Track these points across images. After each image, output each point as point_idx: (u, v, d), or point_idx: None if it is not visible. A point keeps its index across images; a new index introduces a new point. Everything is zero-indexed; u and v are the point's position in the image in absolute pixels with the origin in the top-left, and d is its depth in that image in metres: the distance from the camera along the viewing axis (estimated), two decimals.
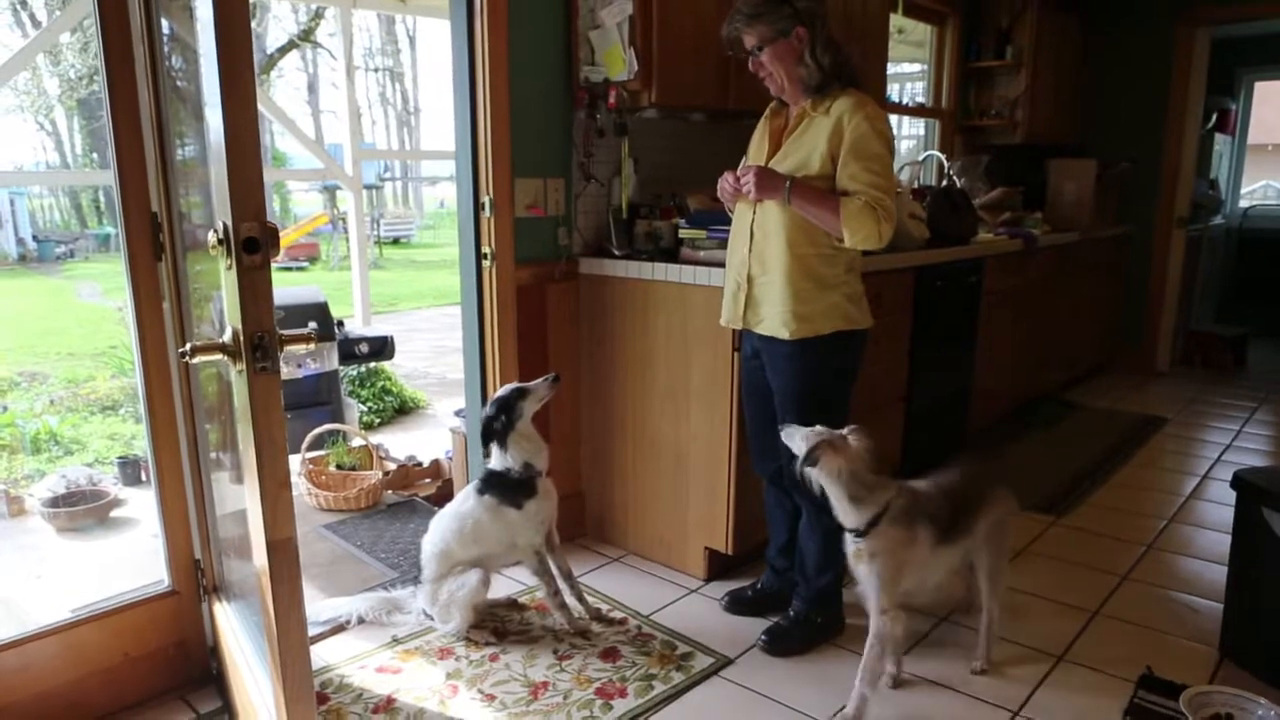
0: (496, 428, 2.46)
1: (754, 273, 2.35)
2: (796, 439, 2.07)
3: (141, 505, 3.72)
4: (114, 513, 3.62)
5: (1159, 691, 2.24)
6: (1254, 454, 4.28)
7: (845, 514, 2.05)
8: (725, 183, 2.34)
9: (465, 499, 2.52)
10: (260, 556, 1.34)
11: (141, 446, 4.28)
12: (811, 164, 2.23)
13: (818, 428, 2.08)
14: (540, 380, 2.50)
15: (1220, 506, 3.50)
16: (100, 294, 11.20)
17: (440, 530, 2.52)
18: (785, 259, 2.27)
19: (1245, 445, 4.41)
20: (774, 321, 2.31)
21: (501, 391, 2.50)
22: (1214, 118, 6.60)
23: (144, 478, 3.96)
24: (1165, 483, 3.89)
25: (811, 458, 1.99)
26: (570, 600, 2.60)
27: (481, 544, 2.49)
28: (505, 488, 2.47)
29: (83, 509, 3.52)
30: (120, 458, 4.11)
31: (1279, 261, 7.32)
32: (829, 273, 2.28)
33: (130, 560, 3.21)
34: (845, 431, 2.07)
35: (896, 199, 3.32)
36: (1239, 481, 2.39)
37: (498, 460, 2.49)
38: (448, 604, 2.48)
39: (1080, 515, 3.47)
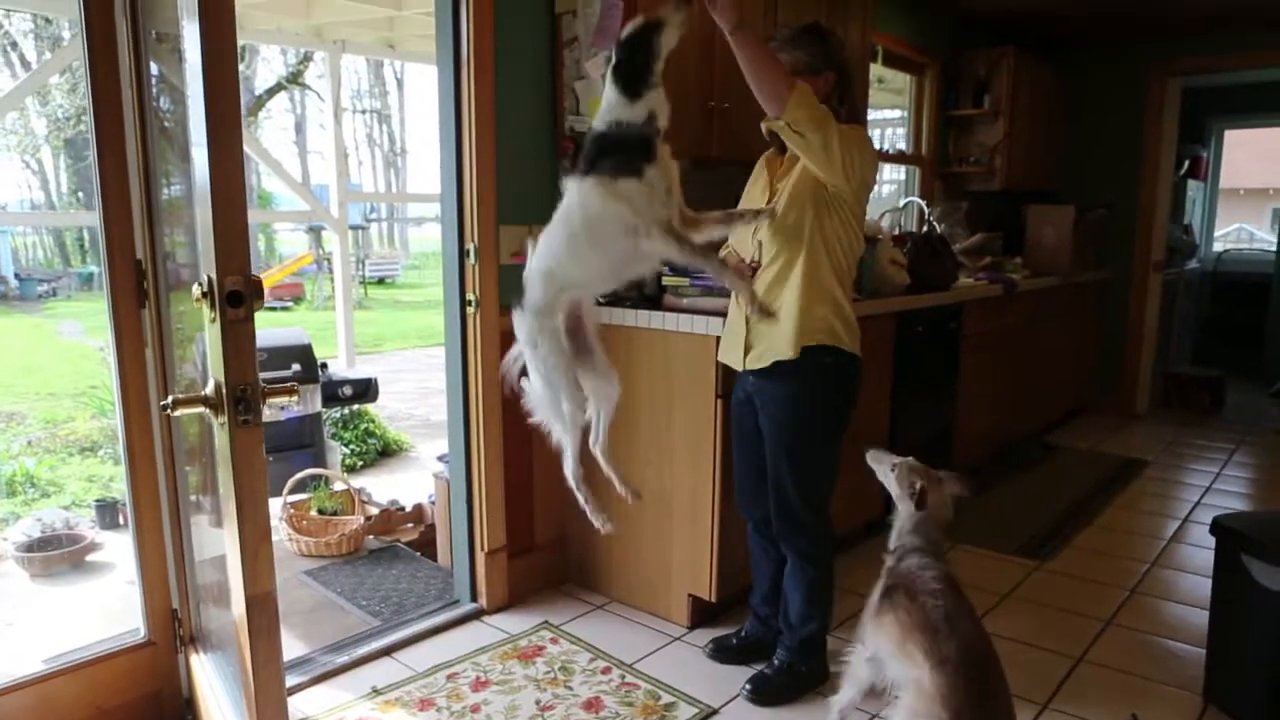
0: (633, 68, 1.85)
1: (762, 295, 2.32)
2: (884, 463, 2.15)
3: (119, 549, 3.67)
4: (90, 557, 3.57)
5: None
6: (1234, 496, 4.31)
7: (894, 531, 2.12)
8: None
9: (568, 195, 1.93)
10: (239, 609, 1.33)
11: (120, 489, 4.24)
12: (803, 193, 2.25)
13: (908, 459, 2.14)
14: None
15: (1201, 550, 3.52)
16: (82, 333, 11.12)
17: (545, 244, 1.96)
18: (796, 271, 2.26)
19: (1224, 488, 4.45)
20: (780, 343, 2.29)
21: (633, 26, 1.88)
22: (1186, 164, 6.75)
23: (122, 521, 3.91)
24: (1147, 526, 3.91)
25: (921, 500, 2.07)
26: None
27: (597, 241, 1.90)
28: (618, 152, 1.86)
29: (58, 554, 3.46)
30: (98, 500, 4.06)
31: (1253, 304, 7.44)
32: (825, 285, 2.28)
33: (106, 608, 3.16)
34: (940, 474, 2.13)
35: (877, 245, 3.37)
36: (1218, 527, 2.41)
37: (615, 109, 1.87)
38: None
39: (1063, 559, 3.48)
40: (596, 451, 2.18)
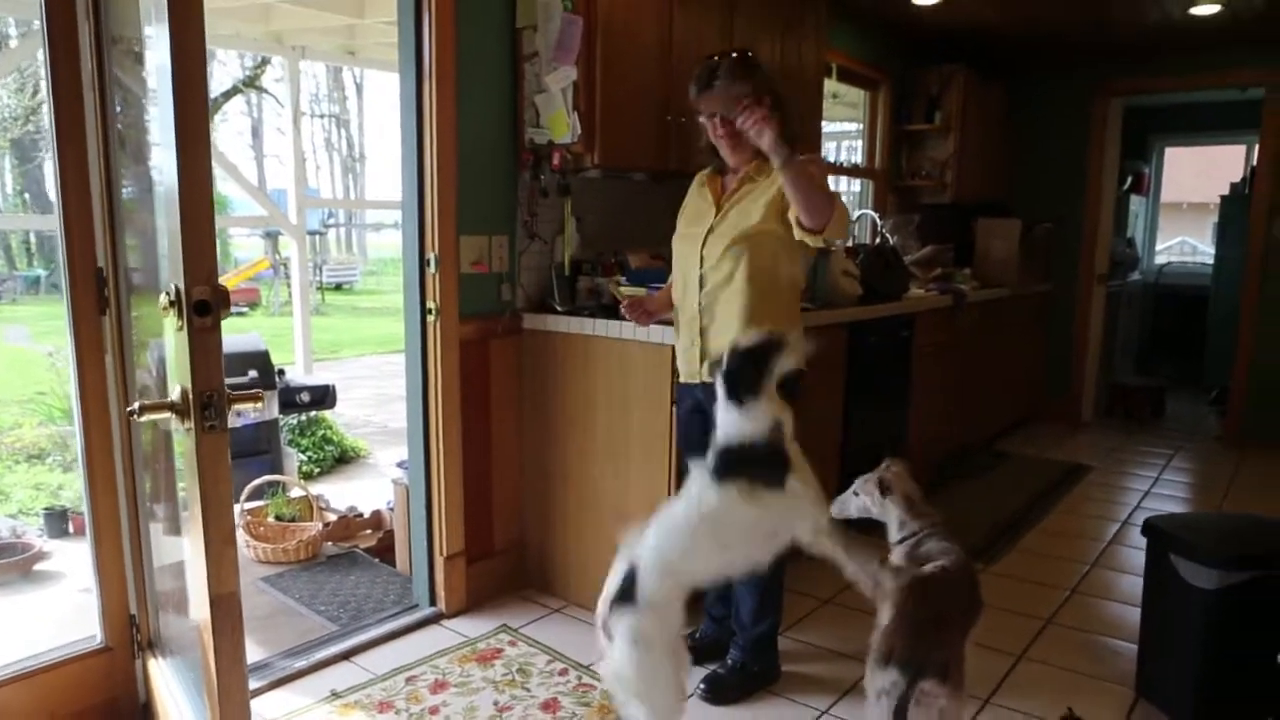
0: (745, 379, 1.89)
1: (704, 324, 2.42)
2: (848, 500, 2.29)
3: (68, 558, 3.62)
4: (39, 566, 3.52)
5: None
6: (1171, 500, 4.48)
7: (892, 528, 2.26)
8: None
9: (698, 496, 1.91)
10: (203, 611, 1.36)
11: (69, 497, 4.18)
12: (752, 216, 2.32)
13: (857, 480, 2.30)
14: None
15: (1138, 551, 3.63)
16: (29, 338, 10.85)
17: (666, 538, 1.91)
18: (743, 304, 2.33)
19: (1163, 492, 4.62)
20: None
21: (755, 338, 1.93)
22: (1129, 180, 6.99)
23: (70, 529, 3.86)
24: (1089, 529, 4.05)
25: (884, 487, 2.23)
26: None
27: (731, 543, 1.89)
28: (755, 464, 1.87)
29: (6, 562, 3.41)
30: (46, 508, 4.00)
31: (1193, 315, 7.70)
32: (777, 315, 2.37)
33: (58, 617, 3.12)
34: (883, 465, 2.28)
35: (831, 256, 3.47)
36: (1149, 528, 2.53)
37: (739, 424, 1.88)
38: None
39: (1008, 561, 3.60)
40: None
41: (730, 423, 1.90)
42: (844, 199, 2.29)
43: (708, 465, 1.91)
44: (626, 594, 1.89)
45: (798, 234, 2.26)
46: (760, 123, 2.12)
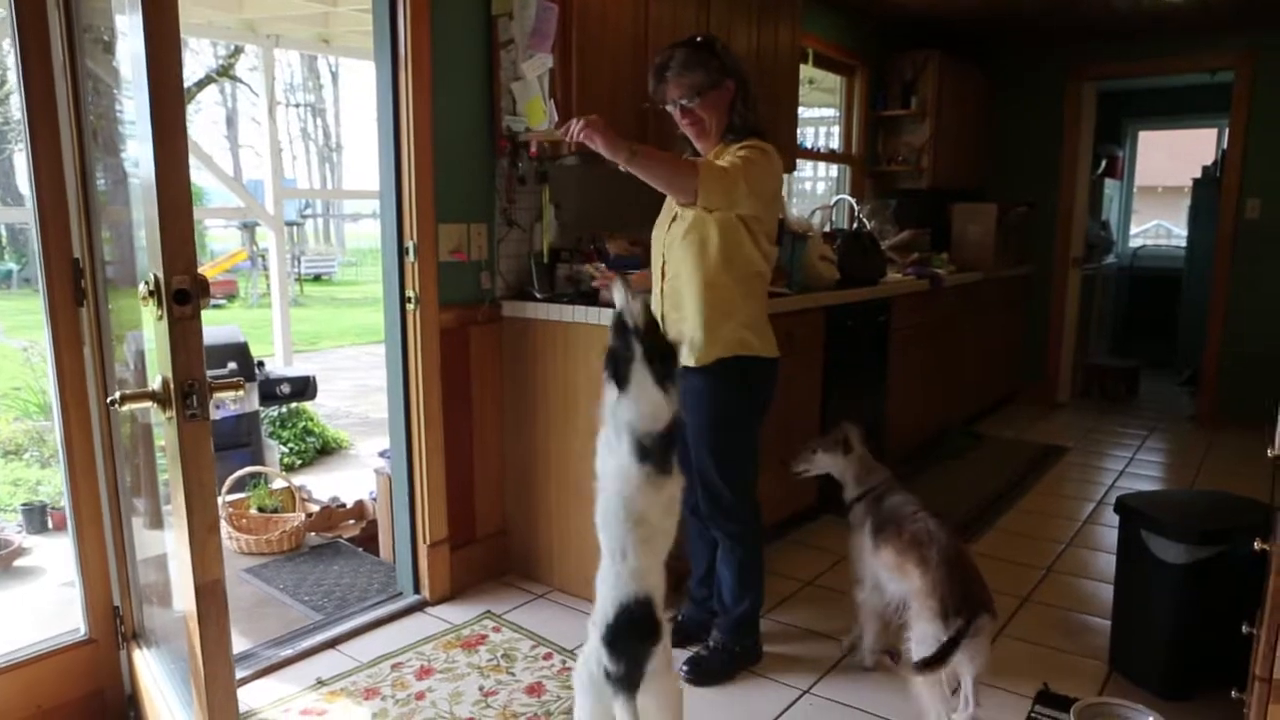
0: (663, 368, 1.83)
1: (666, 310, 2.44)
2: (808, 459, 2.63)
3: (47, 553, 3.61)
4: (18, 562, 3.50)
5: (1054, 705, 2.39)
6: (1145, 479, 4.56)
7: (849, 486, 2.60)
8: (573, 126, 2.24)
9: (638, 490, 1.93)
10: (188, 600, 1.37)
11: (47, 492, 4.15)
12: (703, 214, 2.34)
13: (812, 441, 2.66)
14: None
15: (1113, 530, 3.70)
16: (1, 333, 10.72)
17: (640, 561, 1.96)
18: (697, 289, 2.35)
19: (1137, 471, 4.70)
20: (687, 355, 2.39)
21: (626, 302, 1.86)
22: (1103, 164, 7.06)
23: (50, 524, 3.84)
24: (1065, 509, 4.12)
25: (847, 445, 2.56)
26: None
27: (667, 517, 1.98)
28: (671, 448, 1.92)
29: None
30: (25, 504, 3.97)
31: (1166, 297, 7.80)
32: (731, 301, 2.38)
33: (38, 611, 3.11)
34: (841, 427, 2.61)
35: (808, 241, 3.49)
36: (1121, 506, 2.58)
37: (657, 406, 1.86)
38: None
39: (987, 541, 3.65)
40: None
41: (656, 403, 1.86)
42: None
43: (635, 457, 1.90)
44: (647, 628, 1.89)
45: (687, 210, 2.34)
46: (587, 131, 2.19)
